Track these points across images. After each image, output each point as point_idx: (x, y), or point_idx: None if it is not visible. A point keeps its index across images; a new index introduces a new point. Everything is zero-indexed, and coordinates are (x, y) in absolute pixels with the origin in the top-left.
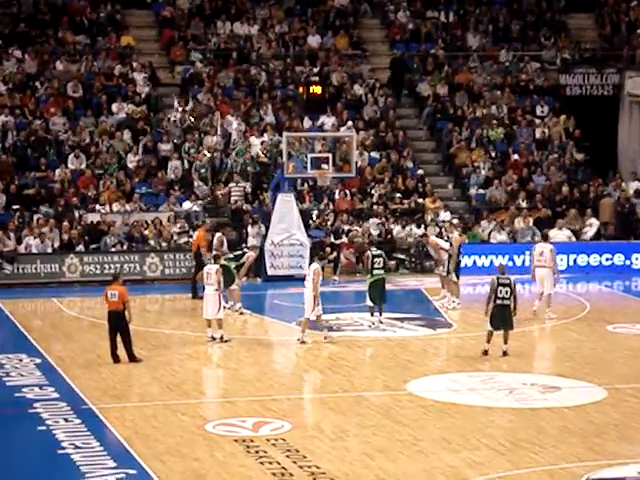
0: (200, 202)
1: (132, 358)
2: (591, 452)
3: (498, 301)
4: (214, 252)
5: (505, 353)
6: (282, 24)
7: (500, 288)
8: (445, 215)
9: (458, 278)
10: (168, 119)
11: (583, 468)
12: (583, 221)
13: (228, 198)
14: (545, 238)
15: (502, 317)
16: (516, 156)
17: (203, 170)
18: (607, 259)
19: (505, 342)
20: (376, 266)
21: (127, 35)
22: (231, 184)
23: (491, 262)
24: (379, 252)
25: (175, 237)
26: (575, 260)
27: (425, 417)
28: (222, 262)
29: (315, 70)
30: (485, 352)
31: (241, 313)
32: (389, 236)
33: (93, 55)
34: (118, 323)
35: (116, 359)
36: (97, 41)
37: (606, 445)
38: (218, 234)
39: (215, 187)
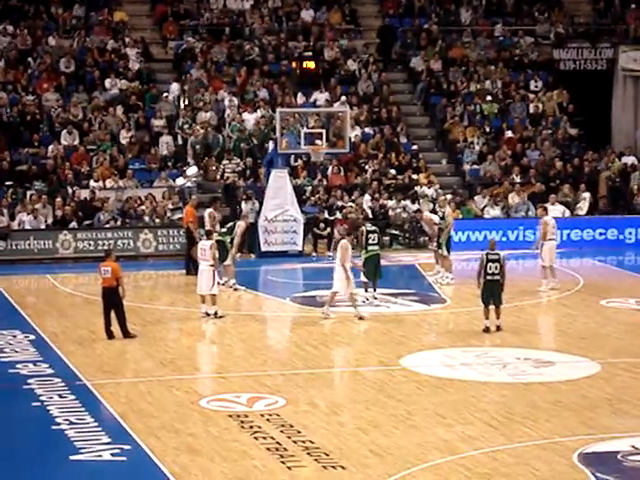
0: (194, 178)
1: (126, 334)
2: (584, 426)
3: (488, 277)
4: (206, 228)
5: (499, 328)
6: (275, 1)
7: (490, 264)
8: (430, 191)
9: (449, 253)
10: (166, 97)
11: (576, 442)
12: (576, 196)
13: (221, 174)
14: (546, 211)
15: (491, 292)
16: (510, 132)
17: (198, 146)
18: (600, 234)
19: (497, 317)
20: (371, 242)
21: (120, 11)
22: (224, 161)
23: (485, 237)
24: (374, 228)
25: (169, 213)
26: (568, 235)
27: (419, 392)
28: (216, 237)
29: (309, 45)
30: (486, 329)
31: (235, 289)
32: (382, 211)
33: (86, 31)
34: (112, 299)
35: (110, 335)
36: (90, 16)
37: (599, 419)
38: (209, 210)
39: (208, 163)
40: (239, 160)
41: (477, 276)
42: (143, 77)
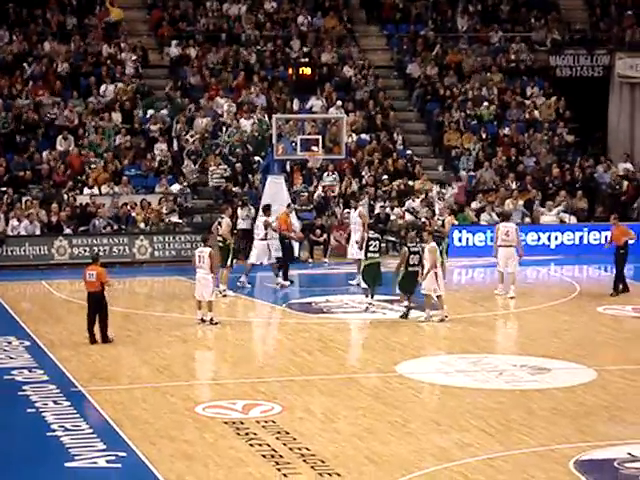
0: (186, 184)
1: (105, 338)
2: (581, 433)
3: (410, 268)
4: (209, 235)
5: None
6: (271, 4)
7: (412, 255)
8: (415, 204)
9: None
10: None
11: (573, 449)
12: (573, 202)
13: (210, 180)
14: (507, 218)
15: (410, 281)
16: (506, 138)
17: (192, 152)
18: (595, 239)
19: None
20: (371, 249)
21: (116, 9)
22: (211, 167)
23: (485, 243)
24: (375, 235)
25: (166, 219)
26: (564, 241)
27: (415, 399)
28: (219, 244)
29: (305, 51)
30: (405, 315)
31: (225, 295)
32: (379, 217)
33: (81, 36)
34: (97, 304)
35: (92, 339)
36: (85, 19)
37: (596, 426)
38: (226, 219)
39: (204, 167)
40: (225, 166)
41: (397, 267)
42: (139, 82)
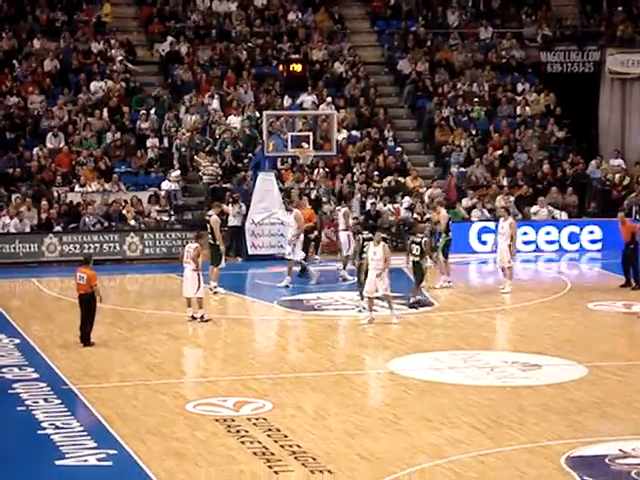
0: (175, 180)
1: (86, 341)
2: (572, 430)
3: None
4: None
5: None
6: (261, 0)
7: (414, 246)
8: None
9: (446, 257)
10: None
11: (564, 446)
12: (564, 198)
13: (200, 177)
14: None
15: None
16: (497, 134)
17: (183, 149)
18: (590, 232)
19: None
20: (365, 250)
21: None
22: (205, 163)
23: (483, 241)
24: (369, 236)
25: (157, 216)
26: (556, 238)
27: (406, 395)
28: (209, 241)
29: (295, 47)
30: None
31: (215, 292)
32: (369, 213)
33: (71, 33)
34: (87, 305)
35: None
36: (75, 16)
37: (587, 423)
38: (214, 216)
39: (194, 164)
40: (216, 163)
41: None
42: (129, 79)
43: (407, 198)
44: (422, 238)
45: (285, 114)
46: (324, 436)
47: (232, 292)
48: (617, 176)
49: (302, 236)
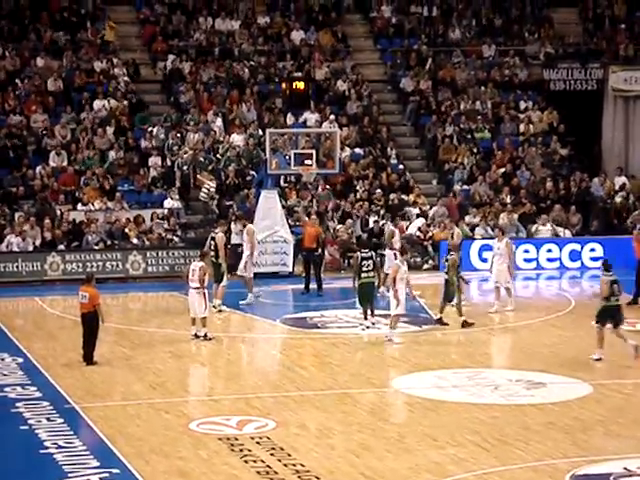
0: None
1: (89, 360)
2: (576, 448)
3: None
4: (204, 250)
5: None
6: (264, 19)
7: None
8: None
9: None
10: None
11: (568, 464)
12: (567, 216)
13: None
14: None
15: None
16: (500, 152)
17: (185, 167)
18: (591, 250)
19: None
20: (364, 269)
21: (110, 30)
22: (204, 184)
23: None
24: (369, 254)
25: (163, 233)
26: (559, 256)
27: (410, 414)
28: (212, 259)
29: (298, 66)
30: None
31: (220, 310)
32: (372, 231)
33: (74, 51)
34: (90, 324)
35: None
36: (78, 35)
37: (592, 441)
38: (220, 234)
39: (198, 183)
40: (216, 182)
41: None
42: (132, 98)
43: (421, 219)
44: (448, 254)
45: (288, 132)
46: (328, 455)
47: (235, 310)
48: (619, 200)
49: (256, 254)
